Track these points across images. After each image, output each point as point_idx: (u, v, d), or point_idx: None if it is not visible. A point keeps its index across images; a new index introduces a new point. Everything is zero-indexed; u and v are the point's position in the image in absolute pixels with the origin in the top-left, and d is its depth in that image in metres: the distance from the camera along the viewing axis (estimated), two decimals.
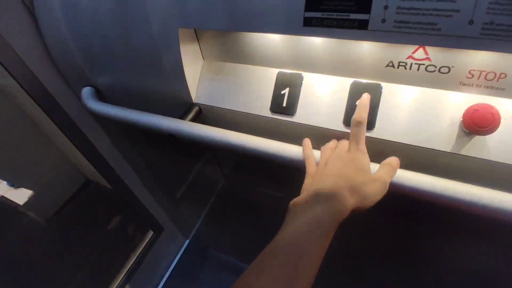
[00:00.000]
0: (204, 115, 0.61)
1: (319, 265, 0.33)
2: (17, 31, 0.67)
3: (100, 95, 0.75)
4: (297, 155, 0.47)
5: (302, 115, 0.50)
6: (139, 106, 0.66)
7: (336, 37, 0.41)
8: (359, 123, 0.43)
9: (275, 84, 0.53)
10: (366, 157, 0.42)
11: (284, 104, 0.51)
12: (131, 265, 1.02)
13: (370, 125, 0.46)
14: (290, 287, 0.30)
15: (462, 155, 0.41)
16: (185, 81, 0.58)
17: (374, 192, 0.39)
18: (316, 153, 0.46)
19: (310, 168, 0.44)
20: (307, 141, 0.47)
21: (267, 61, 0.54)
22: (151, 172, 1.01)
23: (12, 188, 1.75)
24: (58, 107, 0.79)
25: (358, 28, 0.39)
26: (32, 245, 1.67)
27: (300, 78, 0.51)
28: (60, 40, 0.67)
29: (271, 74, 0.54)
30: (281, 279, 0.30)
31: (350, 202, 0.37)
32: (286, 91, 0.52)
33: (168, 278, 1.36)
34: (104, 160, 0.89)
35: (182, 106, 0.61)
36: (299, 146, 0.48)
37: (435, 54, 0.41)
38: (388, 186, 0.40)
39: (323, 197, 0.37)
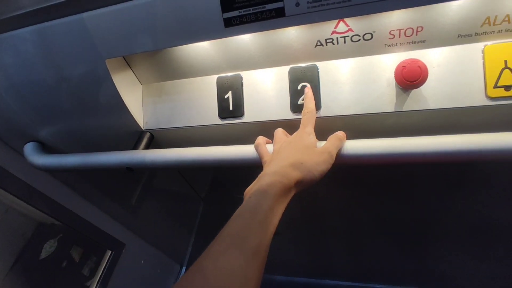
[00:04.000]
0: (157, 140, 0.60)
1: (270, 237, 0.34)
2: None
3: (45, 147, 0.71)
4: (253, 153, 0.47)
5: (250, 114, 0.50)
6: (87, 148, 0.63)
7: (259, 30, 0.41)
8: (307, 113, 0.45)
9: (217, 90, 0.52)
10: (311, 136, 0.44)
11: (231, 108, 0.51)
12: None
13: (316, 106, 0.46)
14: (240, 268, 0.29)
15: (404, 111, 0.43)
16: (128, 110, 0.56)
17: (318, 163, 0.40)
18: (271, 146, 0.47)
19: (265, 158, 0.44)
20: (259, 138, 0.48)
21: (203, 70, 0.54)
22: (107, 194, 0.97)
23: None
24: (5, 174, 0.74)
25: (277, 16, 0.39)
26: None
27: (239, 78, 0.51)
28: None
29: (211, 81, 0.53)
30: (231, 260, 0.30)
31: (293, 174, 0.38)
32: (229, 94, 0.51)
33: None
34: (54, 203, 0.85)
35: (133, 137, 0.59)
36: (253, 145, 0.48)
37: (356, 24, 0.42)
38: (334, 156, 0.42)
39: (266, 177, 0.39)
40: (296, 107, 0.47)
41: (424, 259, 0.96)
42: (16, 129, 0.67)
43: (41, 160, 0.65)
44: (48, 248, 1.13)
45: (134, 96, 0.58)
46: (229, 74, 0.52)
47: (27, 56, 0.53)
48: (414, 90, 0.42)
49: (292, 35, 0.45)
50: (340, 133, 0.44)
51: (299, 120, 0.46)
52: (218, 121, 0.52)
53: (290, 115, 0.48)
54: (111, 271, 1.03)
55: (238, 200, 0.84)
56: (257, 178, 0.40)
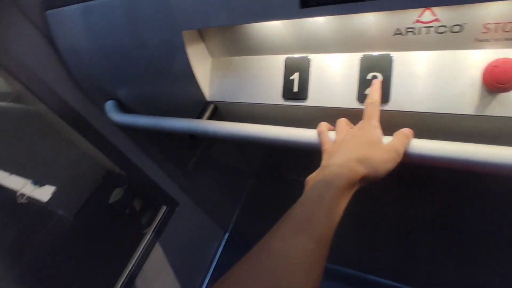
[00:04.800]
0: (220, 112, 0.62)
1: (334, 228, 0.33)
2: (43, 62, 0.72)
3: (123, 106, 0.79)
4: (314, 138, 0.47)
5: (314, 98, 0.50)
6: (158, 111, 0.69)
7: (336, 13, 0.40)
8: (371, 104, 0.43)
9: (284, 71, 0.52)
10: (377, 131, 0.42)
11: (295, 89, 0.51)
12: (146, 242, 1.08)
13: (385, 98, 0.44)
14: (307, 253, 0.30)
15: (486, 116, 0.39)
16: (197, 81, 0.59)
17: (385, 160, 0.39)
18: (333, 134, 0.46)
19: (326, 146, 0.44)
20: (322, 124, 0.47)
21: (273, 49, 0.54)
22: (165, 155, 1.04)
23: (36, 187, 1.90)
24: (85, 122, 0.85)
25: (358, 0, 0.37)
26: (63, 243, 1.80)
27: (307, 61, 0.50)
28: (79, 62, 0.71)
29: (279, 61, 0.53)
30: (299, 243, 0.30)
31: (359, 169, 0.38)
32: (295, 76, 0.51)
33: (212, 273, 1.41)
34: (123, 155, 0.95)
35: (198, 106, 0.63)
36: (315, 130, 0.48)
37: (444, 14, 0.39)
38: (401, 155, 0.40)
39: (332, 167, 0.38)
40: (363, 97, 0.46)
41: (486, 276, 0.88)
42: (100, 87, 0.75)
43: (118, 117, 0.72)
44: (116, 195, 1.28)
45: (204, 68, 0.61)
46: (298, 55, 0.52)
47: (114, 22, 0.58)
48: (502, 94, 0.38)
49: (369, 20, 0.43)
50: (407, 130, 0.42)
51: (363, 111, 0.45)
52: (281, 101, 0.53)
53: (355, 104, 0.46)
54: (164, 225, 1.14)
55: (288, 181, 0.85)
56: (320, 168, 0.41)
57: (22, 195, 2.00)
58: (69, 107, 0.79)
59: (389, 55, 0.44)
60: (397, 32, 0.42)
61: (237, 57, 0.59)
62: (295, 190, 0.86)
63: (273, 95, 0.54)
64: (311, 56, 0.51)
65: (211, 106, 0.61)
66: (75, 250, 1.75)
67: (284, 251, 0.30)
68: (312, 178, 0.39)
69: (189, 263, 1.33)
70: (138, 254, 1.07)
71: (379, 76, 0.44)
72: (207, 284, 1.38)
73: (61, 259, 1.72)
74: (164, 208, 1.15)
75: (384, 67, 0.44)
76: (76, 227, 1.88)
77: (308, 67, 0.50)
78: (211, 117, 0.60)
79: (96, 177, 1.97)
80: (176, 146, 1.04)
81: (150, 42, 0.57)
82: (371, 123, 0.43)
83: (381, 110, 0.44)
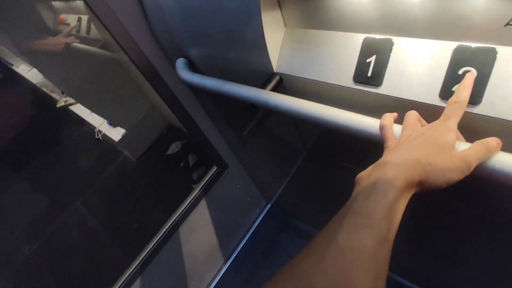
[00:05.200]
0: (284, 85, 0.61)
1: (395, 228, 0.31)
2: (131, 15, 0.77)
3: (192, 65, 0.81)
4: (377, 130, 0.43)
5: (390, 86, 0.45)
6: (224, 75, 0.70)
7: None
8: (455, 103, 0.38)
9: (360, 51, 0.48)
10: (451, 134, 0.37)
11: (369, 74, 0.47)
12: (194, 196, 1.14)
13: (475, 99, 0.38)
14: (373, 251, 0.28)
15: None
16: (266, 50, 0.57)
17: (449, 169, 0.34)
18: (399, 128, 0.42)
19: (388, 143, 0.40)
20: (386, 116, 0.43)
21: (352, 26, 0.50)
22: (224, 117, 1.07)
23: (110, 127, 2.14)
24: (157, 76, 0.89)
25: None
26: (125, 180, 2.02)
27: (390, 43, 0.45)
28: (161, 19, 0.74)
29: (357, 40, 0.49)
30: (363, 240, 0.29)
31: (416, 172, 0.33)
32: (372, 59, 0.47)
33: (249, 238, 1.47)
34: (186, 112, 1.00)
35: (264, 76, 0.62)
36: (377, 120, 0.44)
37: None
38: (472, 167, 0.34)
39: (390, 166, 0.34)
40: (448, 94, 0.40)
41: None
42: (175, 45, 0.77)
43: (186, 75, 0.75)
44: (174, 147, 1.38)
45: (275, 37, 0.59)
46: (379, 36, 0.47)
47: None
48: None
49: (477, 4, 0.37)
50: (493, 141, 0.36)
51: (443, 110, 0.39)
52: (351, 84, 0.49)
53: (436, 101, 0.41)
54: (213, 184, 1.20)
55: (339, 166, 0.82)
56: (376, 165, 0.37)
57: (99, 131, 2.26)
58: (146, 60, 0.84)
59: (494, 48, 0.37)
60: (511, 23, 0.35)
61: (312, 30, 0.56)
62: (344, 176, 0.83)
63: (343, 76, 0.50)
64: (395, 39, 0.46)
65: (276, 78, 0.60)
66: (133, 188, 1.96)
67: (350, 246, 0.28)
68: (365, 177, 0.36)
69: (228, 223, 1.40)
70: (185, 205, 1.14)
71: (474, 73, 0.38)
72: (241, 248, 1.45)
73: (123, 192, 1.95)
74: (215, 168, 1.20)
75: (483, 62, 0.37)
76: (137, 168, 2.08)
77: (389, 51, 0.46)
78: (274, 89, 0.59)
79: (160, 128, 2.14)
80: (236, 111, 1.06)
81: (227, 5, 0.56)
82: (446, 124, 0.37)
83: (467, 112, 0.38)
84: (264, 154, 1.32)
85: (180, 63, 0.79)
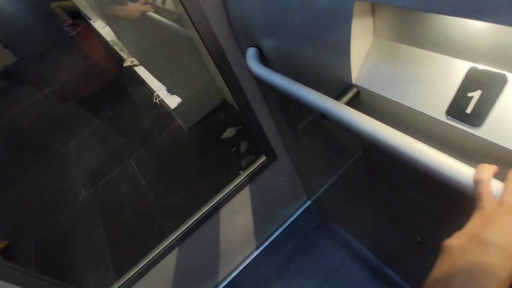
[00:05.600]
0: (361, 99, 0.56)
1: None
2: None
3: (262, 55, 0.79)
4: (468, 180, 0.38)
5: (492, 130, 0.39)
6: (295, 74, 0.66)
7: None
8: None
9: (462, 83, 0.42)
10: None
11: (469, 110, 0.41)
12: (239, 182, 1.15)
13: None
14: None
15: None
16: (349, 58, 0.53)
17: None
18: (498, 186, 0.36)
19: (484, 204, 0.34)
20: (484, 168, 0.37)
21: (457, 51, 0.43)
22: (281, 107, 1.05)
23: (168, 94, 2.22)
24: (225, 60, 0.89)
25: None
26: (175, 146, 2.12)
27: (503, 80, 0.39)
28: (239, 2, 0.71)
29: (460, 68, 0.43)
30: None
31: None
32: (475, 94, 0.41)
33: (283, 230, 1.47)
34: (246, 99, 0.99)
35: (339, 85, 0.58)
36: (471, 168, 0.38)
37: None
38: None
39: (492, 250, 0.30)
40: None
41: None
42: (248, 31, 0.75)
43: (257, 68, 0.73)
44: (229, 132, 1.40)
45: (361, 45, 0.54)
46: (490, 69, 0.40)
47: None
48: None
49: None
50: None
51: None
52: (442, 117, 0.44)
53: None
54: (259, 173, 1.20)
55: (397, 189, 0.75)
56: (472, 238, 0.32)
57: (158, 96, 2.36)
58: (216, 43, 0.83)
59: None
60: None
61: (405, 46, 0.50)
62: (400, 199, 0.77)
63: (435, 106, 0.45)
64: (510, 76, 0.39)
65: (354, 90, 0.55)
66: (182, 156, 2.05)
67: None
68: (458, 250, 0.31)
69: (267, 212, 1.41)
70: (230, 189, 1.16)
71: None
72: (274, 238, 1.46)
73: (172, 159, 2.04)
74: (263, 158, 1.19)
75: None
76: (188, 138, 2.16)
77: (501, 89, 0.39)
78: (349, 102, 0.55)
79: (214, 102, 2.17)
80: (294, 104, 1.02)
81: (316, 2, 0.52)
82: None
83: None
84: (314, 151, 1.28)
85: (251, 53, 0.77)
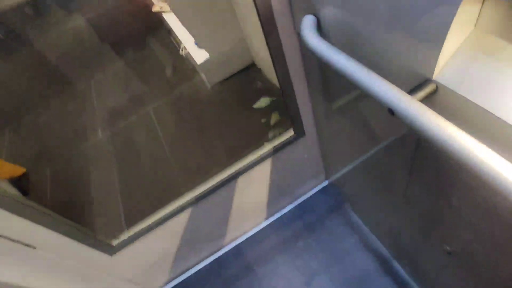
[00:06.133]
0: (438, 98, 0.49)
1: None
2: None
3: (319, 28, 0.70)
4: None
5: None
6: (357, 54, 0.58)
7: None
8: None
9: None
10: None
11: None
12: (263, 154, 1.12)
13: None
14: None
15: None
16: (440, 49, 0.45)
17: None
18: None
19: None
20: None
21: None
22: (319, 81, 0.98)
23: (196, 47, 2.11)
24: (273, 23, 0.80)
25: None
26: (196, 102, 2.07)
27: None
28: None
29: None
30: None
31: None
32: None
33: (296, 206, 1.45)
34: (287, 70, 0.92)
35: (414, 77, 0.50)
36: None
37: None
38: None
39: None
40: None
41: None
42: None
43: (313, 39, 0.64)
44: (263, 102, 1.32)
45: (456, 35, 0.45)
46: None
47: None
48: None
49: None
50: None
51: None
52: None
53: None
54: (284, 147, 1.15)
55: (442, 199, 0.69)
56: None
57: (184, 48, 2.26)
58: (267, 2, 0.74)
59: None
60: None
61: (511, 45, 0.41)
62: (438, 207, 0.72)
63: None
64: None
65: (432, 86, 0.48)
66: (202, 113, 2.00)
67: None
68: None
69: (284, 187, 1.38)
70: (252, 159, 1.13)
71: None
72: (285, 212, 1.45)
73: (191, 116, 2.00)
74: (291, 133, 1.14)
75: None
76: (210, 96, 2.09)
77: None
78: (424, 99, 0.48)
79: (242, 63, 2.07)
80: (337, 83, 0.94)
81: None
82: None
83: None
84: (344, 134, 1.21)
85: (308, 21, 0.68)
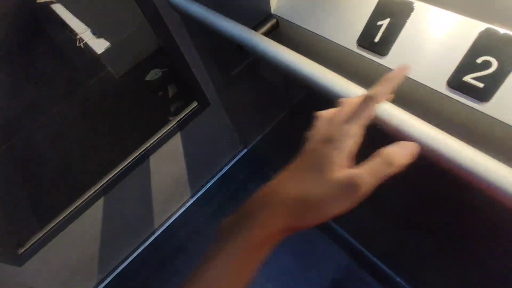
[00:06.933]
0: (280, 30, 0.53)
1: None
2: None
3: None
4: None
5: (396, 59, 0.39)
6: (214, 6, 0.60)
7: None
8: (368, 99, 0.29)
9: (373, 11, 0.41)
10: (346, 139, 0.27)
11: (377, 39, 0.40)
12: (169, 128, 1.11)
13: (485, 95, 0.33)
14: None
15: None
16: None
17: (326, 202, 0.26)
18: None
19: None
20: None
21: None
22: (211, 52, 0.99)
23: (94, 37, 1.95)
24: None
25: None
26: (104, 97, 1.94)
27: (409, 7, 0.38)
28: None
29: None
30: None
31: (277, 223, 0.27)
32: (384, 22, 0.40)
33: (219, 178, 1.48)
34: (171, 37, 0.90)
35: (259, 15, 0.54)
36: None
37: None
38: (363, 192, 0.25)
39: (247, 216, 0.29)
40: (458, 84, 0.35)
41: None
42: None
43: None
44: (154, 74, 1.28)
45: None
46: None
47: None
48: None
49: None
50: (398, 151, 0.27)
51: (454, 103, 0.35)
52: (353, 46, 0.43)
53: (443, 89, 0.36)
54: (191, 119, 1.15)
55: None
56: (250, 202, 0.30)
57: (81, 39, 2.07)
58: None
59: None
60: None
61: None
62: None
63: (348, 37, 0.43)
64: (417, 4, 0.38)
65: (272, 21, 0.52)
66: (111, 106, 1.88)
67: None
68: (225, 224, 0.30)
69: (201, 161, 1.38)
70: (159, 135, 1.10)
71: (494, 64, 0.33)
72: (209, 186, 1.47)
73: (100, 109, 1.86)
74: (195, 104, 1.14)
75: (508, 54, 0.32)
76: (118, 87, 1.97)
77: (406, 17, 0.38)
78: (268, 33, 0.51)
79: (147, 49, 1.97)
80: (226, 49, 0.96)
81: None
82: (348, 128, 0.27)
83: (474, 110, 0.33)
84: (248, 99, 1.25)
85: None
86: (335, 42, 0.44)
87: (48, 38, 2.54)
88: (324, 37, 0.46)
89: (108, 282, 1.31)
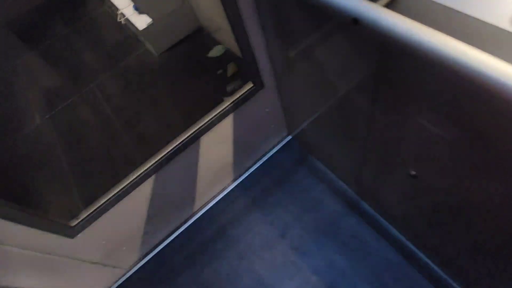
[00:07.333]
0: (401, 4, 0.47)
1: None
2: None
3: None
4: None
5: None
6: None
7: None
8: None
9: None
10: None
11: None
12: (223, 109, 1.08)
13: None
14: None
15: None
16: None
17: None
18: None
19: None
20: None
21: None
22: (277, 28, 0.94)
23: (136, 12, 1.92)
24: None
25: None
26: (144, 73, 1.93)
27: None
28: None
29: None
30: None
31: None
32: None
33: (263, 163, 1.45)
34: (238, 11, 0.86)
35: None
36: None
37: None
38: None
39: None
40: None
41: None
42: None
43: None
44: (216, 51, 1.24)
45: None
46: None
47: None
48: None
49: None
50: None
51: None
52: (507, 26, 0.37)
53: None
54: (244, 101, 1.11)
55: (412, 123, 0.70)
56: None
57: (123, 14, 2.05)
58: None
59: None
60: None
61: None
62: (403, 131, 0.74)
63: (500, 13, 0.37)
64: None
65: None
66: (153, 83, 1.87)
67: None
68: None
69: (248, 144, 1.35)
70: (213, 116, 1.07)
71: None
72: (253, 170, 1.44)
73: (142, 85, 1.85)
74: (250, 85, 1.09)
75: None
76: (159, 65, 1.96)
77: None
78: (388, 5, 0.46)
79: (188, 27, 1.94)
80: (292, 25, 0.90)
81: None
82: None
83: None
84: (304, 85, 1.20)
85: None
86: (481, 19, 0.38)
87: (89, 12, 2.55)
88: (464, 13, 0.40)
89: (152, 257, 1.33)
